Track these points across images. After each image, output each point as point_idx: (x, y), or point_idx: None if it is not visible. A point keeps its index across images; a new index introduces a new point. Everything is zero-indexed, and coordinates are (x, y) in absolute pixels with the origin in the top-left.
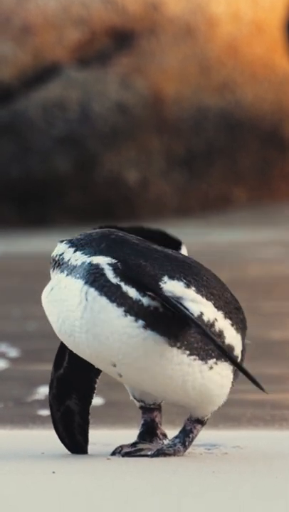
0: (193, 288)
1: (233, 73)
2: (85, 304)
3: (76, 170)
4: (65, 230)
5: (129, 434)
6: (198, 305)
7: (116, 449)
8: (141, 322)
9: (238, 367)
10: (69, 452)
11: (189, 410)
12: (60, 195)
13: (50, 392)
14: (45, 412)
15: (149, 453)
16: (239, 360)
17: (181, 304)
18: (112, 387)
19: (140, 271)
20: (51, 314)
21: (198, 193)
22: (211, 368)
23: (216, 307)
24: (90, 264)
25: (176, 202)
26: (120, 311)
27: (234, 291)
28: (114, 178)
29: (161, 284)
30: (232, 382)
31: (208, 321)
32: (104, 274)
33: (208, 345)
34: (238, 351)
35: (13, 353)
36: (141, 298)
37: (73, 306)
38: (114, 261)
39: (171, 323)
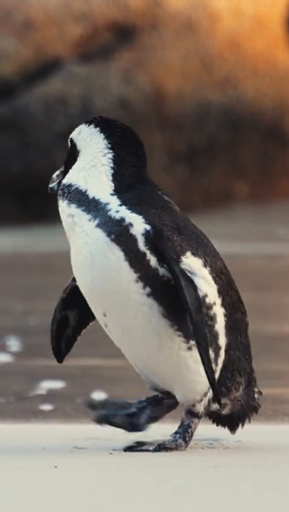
0: (208, 268)
1: (234, 68)
2: (105, 260)
3: None
4: None
5: None
6: (206, 285)
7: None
8: (148, 289)
9: (207, 367)
10: (71, 450)
11: (173, 394)
12: None
13: (62, 293)
14: (47, 407)
15: (151, 448)
16: (220, 359)
17: (191, 280)
18: (114, 383)
19: (170, 244)
20: (73, 244)
21: (199, 188)
22: (189, 348)
23: (218, 292)
24: (128, 226)
25: (177, 197)
26: (135, 275)
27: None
28: None
29: (183, 258)
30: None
31: (209, 303)
32: (136, 240)
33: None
34: (221, 343)
35: (15, 347)
36: (159, 268)
37: (93, 253)
38: (149, 228)
39: (175, 297)
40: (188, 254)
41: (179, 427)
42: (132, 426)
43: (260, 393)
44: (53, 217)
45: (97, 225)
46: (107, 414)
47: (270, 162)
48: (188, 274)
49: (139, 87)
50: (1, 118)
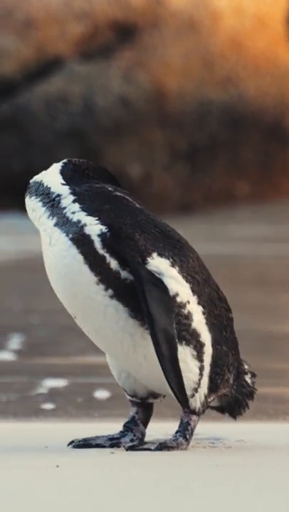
0: (177, 268)
1: (235, 67)
2: (65, 262)
3: None
4: None
5: None
6: (177, 284)
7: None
8: (110, 291)
9: (164, 369)
10: (72, 449)
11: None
12: None
13: None
14: (49, 406)
15: (152, 447)
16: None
17: (161, 281)
18: (116, 382)
19: (130, 244)
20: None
21: (200, 187)
22: None
23: (192, 291)
24: (83, 227)
25: (178, 196)
26: (96, 279)
27: (234, 285)
28: (117, 172)
29: (149, 260)
30: (198, 371)
31: (182, 301)
32: (92, 242)
33: (172, 325)
34: (204, 339)
35: (17, 345)
36: (121, 271)
37: (56, 254)
38: (105, 230)
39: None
40: (155, 255)
41: (179, 426)
42: (113, 445)
43: (253, 375)
44: None
45: (55, 224)
46: (86, 438)
47: (271, 161)
48: (157, 275)
49: (141, 86)
50: (2, 116)
